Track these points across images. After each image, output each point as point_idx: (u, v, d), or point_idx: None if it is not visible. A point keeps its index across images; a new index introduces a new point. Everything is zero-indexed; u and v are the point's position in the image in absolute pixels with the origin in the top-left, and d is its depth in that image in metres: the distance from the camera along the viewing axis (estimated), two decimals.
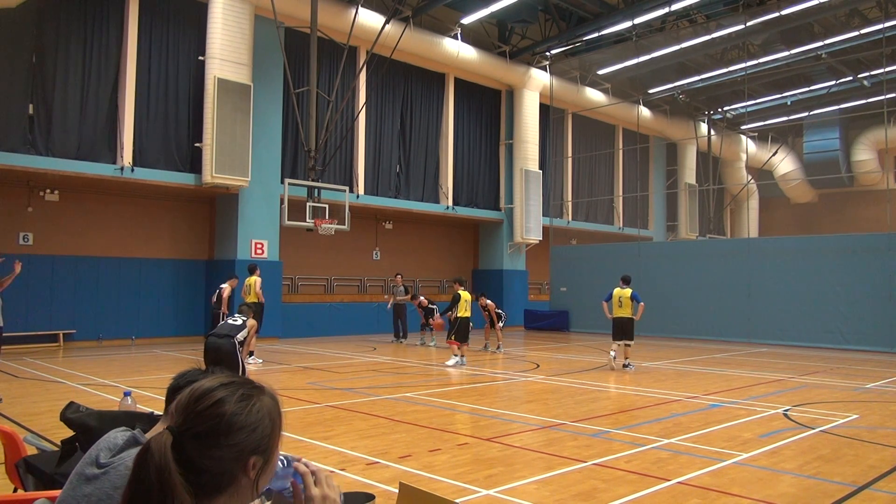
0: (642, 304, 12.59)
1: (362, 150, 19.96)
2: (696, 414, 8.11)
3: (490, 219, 23.58)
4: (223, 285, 13.59)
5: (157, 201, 17.40)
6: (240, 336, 8.74)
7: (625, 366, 12.49)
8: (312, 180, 17.28)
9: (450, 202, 22.04)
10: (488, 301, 15.77)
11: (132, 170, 15.32)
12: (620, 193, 28.97)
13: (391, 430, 6.94)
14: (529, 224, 23.37)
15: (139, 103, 15.65)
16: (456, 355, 12.40)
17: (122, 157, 15.32)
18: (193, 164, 16.36)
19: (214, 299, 13.70)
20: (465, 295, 12.78)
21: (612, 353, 12.46)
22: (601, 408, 8.40)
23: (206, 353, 8.92)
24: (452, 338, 12.57)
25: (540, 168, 24.24)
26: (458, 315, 12.66)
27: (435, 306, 16.78)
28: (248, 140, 16.31)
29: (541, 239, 23.80)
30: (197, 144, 16.23)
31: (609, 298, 12.87)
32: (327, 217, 17.08)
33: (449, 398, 9.01)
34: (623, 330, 12.45)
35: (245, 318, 9.06)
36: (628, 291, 12.72)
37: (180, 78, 16.37)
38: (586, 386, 10.23)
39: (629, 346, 12.58)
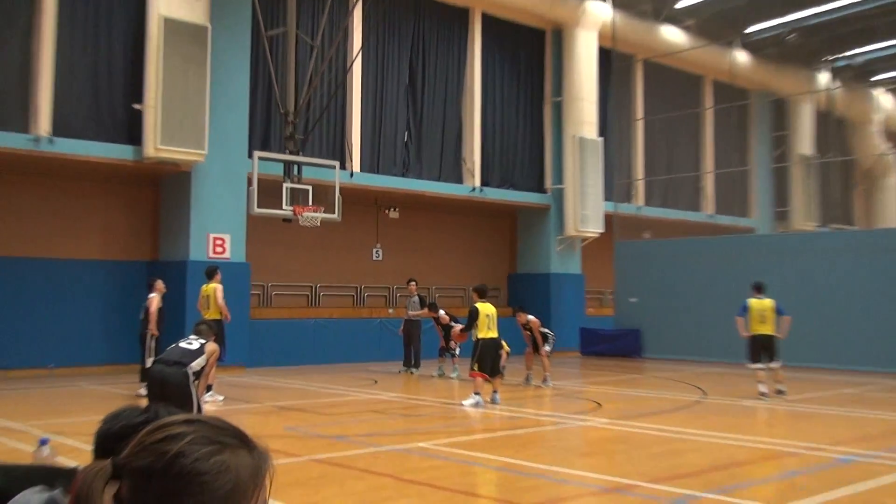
0: (788, 317, 13.32)
1: (357, 112, 20.00)
2: (820, 472, 7.96)
3: (532, 204, 23.55)
4: (151, 295, 13.66)
5: (83, 183, 17.52)
6: (195, 364, 8.73)
7: (778, 392, 13.37)
8: (291, 153, 17.30)
9: (477, 182, 22.01)
10: (530, 317, 15.65)
11: (51, 140, 15.40)
12: (710, 169, 28.72)
13: (398, 494, 6.88)
14: (586, 211, 23.28)
15: (60, 53, 15.73)
16: (477, 393, 12.29)
17: (36, 123, 15.41)
18: (132, 132, 16.45)
19: (141, 315, 13.77)
20: (486, 308, 12.68)
21: (763, 389, 13.36)
22: (687, 463, 8.28)
23: (151, 387, 8.93)
24: (476, 367, 12.46)
25: (600, 135, 24.10)
26: (479, 336, 12.57)
27: (460, 324, 16.74)
28: (204, 100, 16.37)
29: (602, 232, 23.72)
30: (136, 106, 16.30)
31: (744, 312, 13.66)
32: (311, 203, 17.10)
33: (477, 449, 8.95)
34: (767, 349, 13.48)
35: (203, 341, 9.04)
36: (769, 302, 13.48)
37: (115, 19, 16.45)
38: (666, 433, 10.11)
39: (775, 369, 13.38)
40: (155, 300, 13.53)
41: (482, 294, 13.00)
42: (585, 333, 23.08)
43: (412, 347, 17.60)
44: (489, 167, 22.69)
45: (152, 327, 13.33)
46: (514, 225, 24.84)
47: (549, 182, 23.82)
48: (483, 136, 22.48)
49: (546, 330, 15.97)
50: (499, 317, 13.07)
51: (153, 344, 13.25)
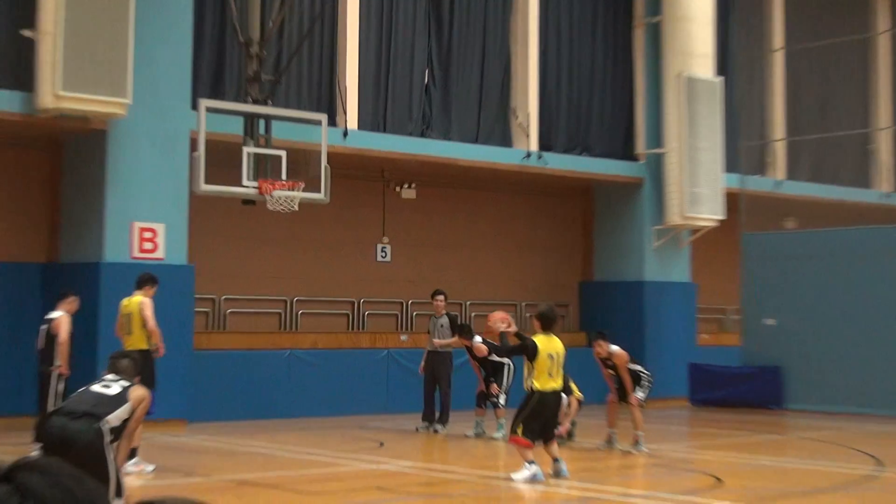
0: None
1: (354, 43, 19.95)
2: None
3: (616, 177, 23.43)
4: (55, 314, 13.65)
5: None
6: (114, 418, 8.72)
7: None
8: (255, 102, 17.25)
9: (532, 145, 21.91)
10: (613, 348, 15.54)
11: None
12: (886, 125, 28.36)
13: None
14: (698, 188, 23.10)
15: None
16: (532, 462, 12.18)
17: None
18: (19, 73, 16.50)
19: (41, 344, 13.72)
20: (551, 344, 12.44)
21: None
22: None
23: (47, 450, 8.93)
24: (518, 431, 12.34)
25: (718, 73, 23.90)
26: (536, 386, 12.42)
27: (508, 360, 16.59)
28: (126, 26, 16.37)
29: (721, 219, 23.56)
30: (25, 33, 16.34)
31: None
32: (284, 177, 17.08)
33: None
34: None
35: (126, 384, 9.04)
36: None
37: None
38: None
39: None
40: (64, 323, 13.51)
41: (548, 323, 12.80)
42: (697, 372, 22.88)
43: (438, 393, 17.52)
44: (551, 123, 22.52)
45: (62, 363, 13.33)
46: (588, 209, 24.69)
47: (641, 144, 23.66)
48: (542, 77, 22.29)
49: (638, 367, 15.82)
50: (568, 348, 12.97)
51: (62, 387, 13.27)
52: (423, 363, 17.79)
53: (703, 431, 18.59)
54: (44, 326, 13.89)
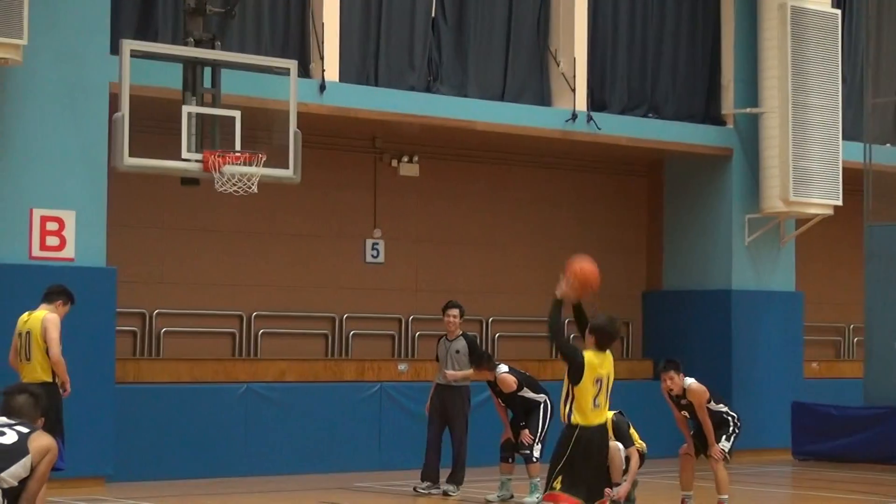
0: None
1: None
2: None
3: (695, 148, 23.51)
4: None
5: None
6: (9, 475, 8.77)
7: None
8: (198, 44, 17.33)
9: (580, 103, 21.98)
10: (687, 382, 15.53)
11: None
12: None
13: None
14: (807, 161, 23.17)
15: None
16: None
17: None
18: None
19: None
20: (602, 364, 12.38)
21: None
22: None
23: None
24: (555, 485, 12.35)
25: (836, 5, 23.99)
26: (574, 419, 12.39)
27: (544, 396, 16.67)
28: None
29: (839, 204, 23.64)
30: None
31: None
32: (238, 146, 17.17)
33: None
34: None
35: (26, 430, 9.08)
36: None
37: None
38: None
39: None
40: None
41: (607, 340, 12.70)
42: (804, 415, 22.89)
43: (453, 439, 17.45)
44: (605, 73, 22.64)
45: None
46: (656, 191, 24.86)
47: (729, 103, 23.78)
48: (592, 9, 22.38)
49: (721, 408, 15.79)
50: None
51: None
52: (429, 401, 17.80)
53: (810, 496, 18.62)
54: None
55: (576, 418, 12.14)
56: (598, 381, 12.18)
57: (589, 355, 12.30)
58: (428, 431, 17.60)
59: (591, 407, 12.09)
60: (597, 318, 12.59)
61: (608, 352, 12.37)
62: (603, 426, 12.34)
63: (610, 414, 12.65)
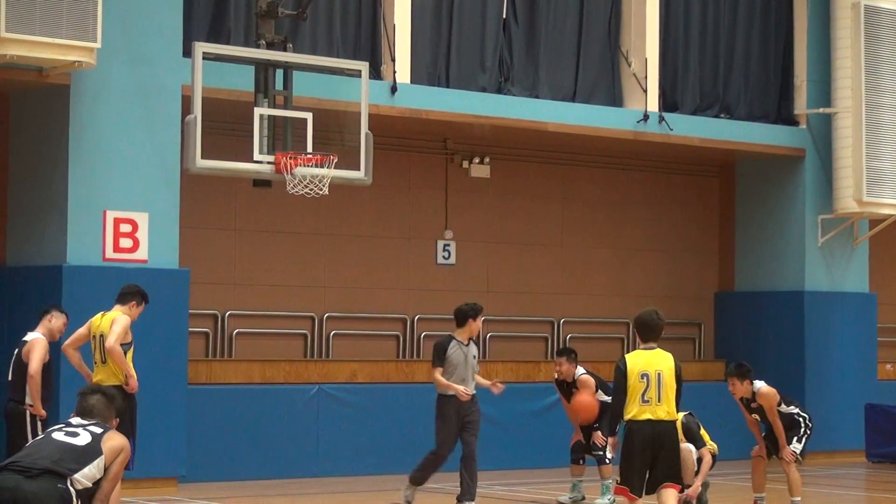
0: None
1: None
2: None
3: (768, 148, 23.36)
4: (31, 335, 13.85)
5: None
6: (84, 476, 8.74)
7: None
8: (270, 47, 17.35)
9: (652, 104, 21.88)
10: (759, 386, 15.47)
11: None
12: None
13: None
14: (880, 162, 22.96)
15: None
16: None
17: None
18: None
19: (10, 376, 13.96)
20: (643, 361, 12.27)
21: None
22: None
23: None
24: (619, 478, 12.41)
25: None
26: (627, 415, 12.39)
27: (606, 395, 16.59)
28: None
29: None
30: None
31: None
32: (310, 148, 17.17)
33: None
34: None
35: (100, 430, 9.05)
36: None
37: None
38: None
39: None
40: (37, 348, 13.64)
41: (644, 332, 12.76)
42: (878, 417, 22.70)
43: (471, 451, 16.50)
44: (678, 73, 22.55)
45: (34, 401, 13.50)
46: (728, 192, 24.69)
47: (802, 103, 23.58)
48: (664, 11, 22.31)
49: (793, 410, 15.78)
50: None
51: (38, 426, 13.43)
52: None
53: (884, 498, 18.44)
54: (16, 351, 14.04)
55: (627, 414, 12.28)
56: (644, 376, 12.23)
57: (630, 356, 12.45)
58: (450, 440, 16.31)
59: (639, 403, 12.24)
60: (643, 312, 12.83)
61: (658, 349, 12.47)
62: (655, 421, 12.33)
63: (680, 415, 12.66)
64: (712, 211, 24.86)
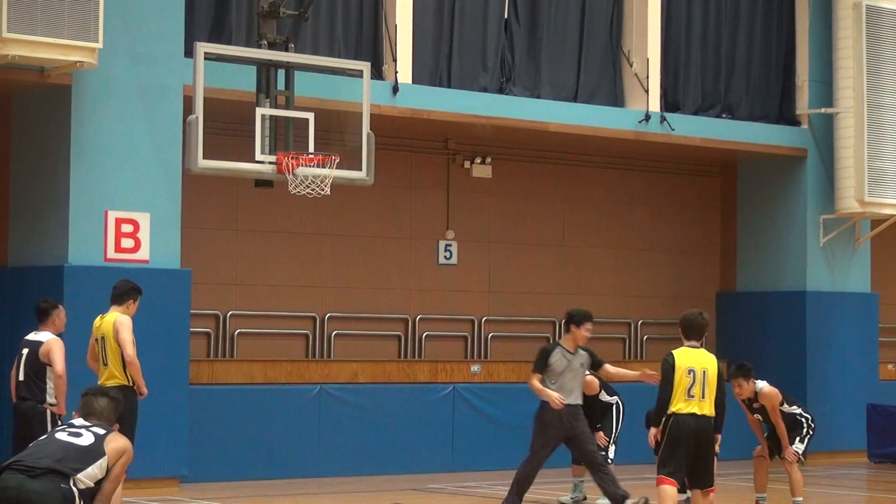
0: None
1: None
2: None
3: (769, 148, 23.34)
4: (43, 335, 13.86)
5: None
6: (86, 476, 8.73)
7: None
8: (271, 46, 17.33)
9: (654, 104, 21.86)
10: (761, 386, 15.52)
11: None
12: None
13: None
14: (883, 161, 22.94)
15: None
16: None
17: None
18: None
19: (17, 374, 13.93)
20: (692, 357, 12.51)
21: None
22: None
23: None
24: (663, 470, 12.51)
25: None
26: (672, 409, 12.48)
27: (616, 398, 16.59)
28: None
29: None
30: None
31: None
32: (312, 148, 17.17)
33: None
34: None
35: (102, 431, 9.05)
36: None
37: None
38: None
39: None
40: (58, 348, 13.64)
41: (688, 330, 12.92)
42: (879, 417, 22.66)
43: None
44: (678, 74, 22.53)
45: (59, 400, 13.52)
46: (730, 192, 24.67)
47: (803, 103, 23.55)
48: (666, 10, 22.28)
49: (795, 410, 15.83)
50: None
51: (59, 424, 13.40)
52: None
53: (886, 499, 18.42)
54: (24, 350, 13.98)
55: (673, 408, 12.55)
56: (691, 371, 12.58)
57: (678, 352, 12.72)
58: (546, 447, 15.67)
59: (685, 397, 12.56)
60: (687, 313, 13.21)
61: (702, 348, 12.88)
62: (699, 416, 12.58)
63: (709, 408, 12.76)
64: (714, 211, 24.85)
